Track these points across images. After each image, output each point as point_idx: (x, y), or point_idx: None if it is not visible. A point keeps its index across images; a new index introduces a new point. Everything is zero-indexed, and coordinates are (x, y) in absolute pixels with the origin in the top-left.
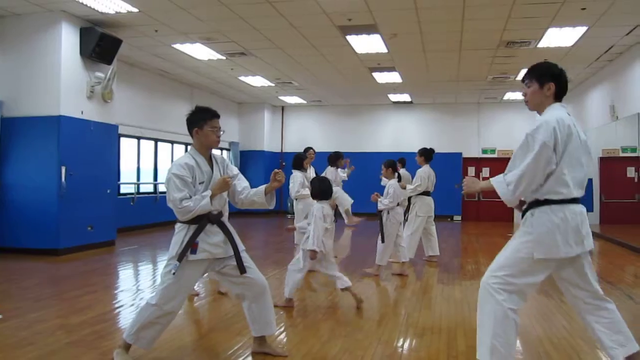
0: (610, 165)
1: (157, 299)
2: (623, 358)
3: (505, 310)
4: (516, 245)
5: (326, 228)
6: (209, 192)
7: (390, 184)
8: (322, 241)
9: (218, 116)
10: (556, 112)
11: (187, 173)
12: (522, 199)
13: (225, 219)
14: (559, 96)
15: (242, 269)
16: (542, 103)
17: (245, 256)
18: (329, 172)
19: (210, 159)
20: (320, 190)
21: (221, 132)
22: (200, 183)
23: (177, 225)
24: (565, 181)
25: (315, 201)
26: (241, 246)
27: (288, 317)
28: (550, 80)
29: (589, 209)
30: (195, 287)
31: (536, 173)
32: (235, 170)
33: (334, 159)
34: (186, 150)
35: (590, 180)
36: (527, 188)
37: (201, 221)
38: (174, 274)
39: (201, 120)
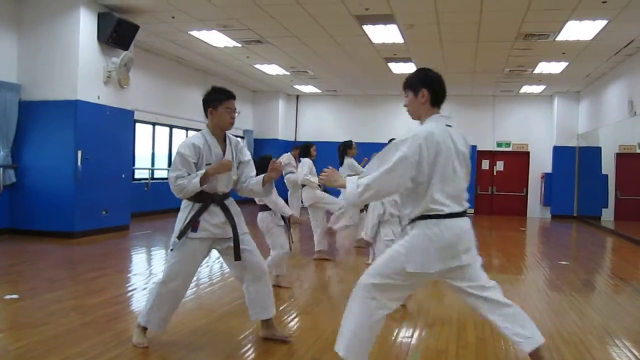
0: (627, 161)
1: (164, 276)
2: (530, 349)
3: (373, 313)
4: (392, 253)
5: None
6: (202, 172)
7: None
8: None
9: (234, 97)
10: (430, 126)
11: (191, 153)
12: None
13: (230, 201)
14: (436, 102)
15: (237, 255)
16: (419, 111)
17: (247, 239)
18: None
19: (223, 140)
20: None
21: (236, 114)
22: (207, 164)
23: (183, 203)
24: (435, 198)
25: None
26: (243, 229)
27: (302, 303)
28: (422, 87)
29: (604, 205)
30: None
31: (386, 184)
32: (247, 156)
33: (304, 151)
34: None
35: (605, 177)
36: (374, 196)
37: (206, 201)
38: (172, 250)
39: (216, 101)
